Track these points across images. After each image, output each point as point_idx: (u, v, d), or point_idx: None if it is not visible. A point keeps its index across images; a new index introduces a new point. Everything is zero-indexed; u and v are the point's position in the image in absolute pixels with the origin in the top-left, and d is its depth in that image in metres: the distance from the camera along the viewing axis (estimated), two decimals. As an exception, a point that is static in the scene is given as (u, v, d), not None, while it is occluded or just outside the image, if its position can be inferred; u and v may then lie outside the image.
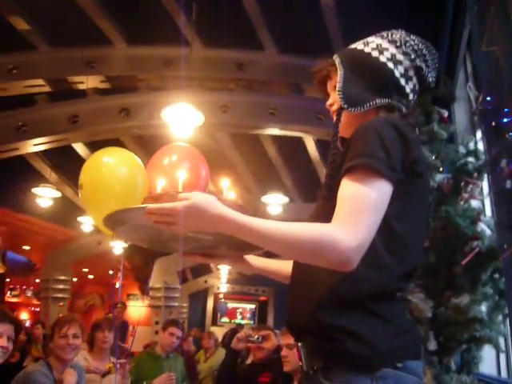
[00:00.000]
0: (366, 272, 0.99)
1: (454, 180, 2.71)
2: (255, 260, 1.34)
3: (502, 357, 2.85)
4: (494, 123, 2.29)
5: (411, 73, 1.20)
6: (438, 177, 2.73)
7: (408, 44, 1.21)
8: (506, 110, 1.94)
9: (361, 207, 0.96)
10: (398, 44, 1.21)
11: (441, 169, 2.77)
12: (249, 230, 0.98)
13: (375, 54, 1.20)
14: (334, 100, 1.23)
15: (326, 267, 0.97)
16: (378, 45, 1.22)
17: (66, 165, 7.20)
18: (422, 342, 1.17)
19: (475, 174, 2.67)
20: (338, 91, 1.17)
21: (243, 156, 7.13)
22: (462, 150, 2.82)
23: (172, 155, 2.74)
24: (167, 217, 1.00)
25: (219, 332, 11.35)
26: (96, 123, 5.81)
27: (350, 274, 0.96)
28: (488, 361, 2.83)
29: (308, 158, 6.81)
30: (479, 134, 3.35)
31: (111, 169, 2.50)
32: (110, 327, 3.08)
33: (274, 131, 5.97)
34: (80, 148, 6.66)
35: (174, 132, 3.69)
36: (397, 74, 1.18)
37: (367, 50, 1.22)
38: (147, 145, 6.48)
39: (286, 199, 6.72)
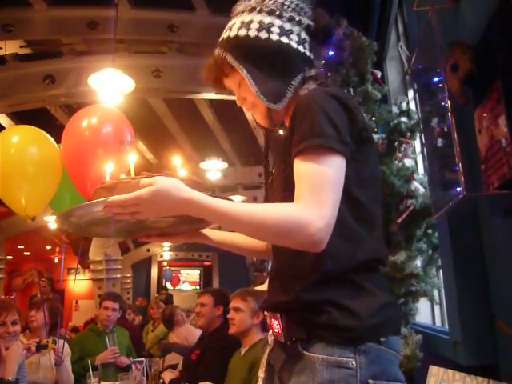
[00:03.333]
0: (343, 245, 0.99)
1: (388, 140, 2.76)
2: (212, 234, 1.30)
3: (437, 307, 3.02)
4: (425, 83, 2.33)
5: (303, 34, 1.12)
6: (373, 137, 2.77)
7: (286, 7, 1.12)
8: (436, 69, 1.97)
9: (321, 185, 0.95)
10: (277, 13, 1.11)
11: (375, 129, 2.81)
12: (217, 214, 0.95)
13: (263, 34, 1.09)
14: (245, 95, 1.15)
15: (295, 248, 0.96)
16: (259, 22, 1.10)
17: (-11, 138, 6.76)
18: (401, 317, 1.21)
19: (408, 134, 2.73)
20: (257, 94, 1.09)
21: (179, 121, 6.97)
22: (395, 110, 2.87)
23: (92, 118, 2.55)
24: (132, 207, 0.94)
25: (165, 300, 11.36)
26: (18, 92, 5.40)
27: (328, 251, 0.96)
28: (423, 311, 2.98)
29: (245, 121, 6.74)
30: (411, 94, 3.42)
31: (21, 149, 2.36)
32: (38, 306, 2.98)
33: (210, 95, 5.84)
34: (3, 119, 6.23)
35: (104, 99, 3.49)
36: (294, 45, 1.10)
37: (252, 33, 1.10)
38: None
39: (224, 164, 6.66)
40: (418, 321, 2.87)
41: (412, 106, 3.05)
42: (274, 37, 1.09)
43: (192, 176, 1.14)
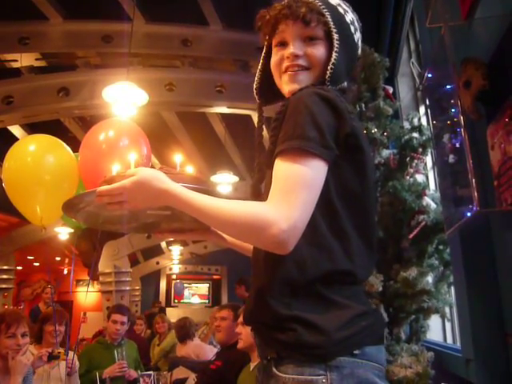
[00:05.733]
0: (310, 253, 0.97)
1: (399, 155, 2.76)
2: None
3: (448, 325, 2.98)
4: (437, 99, 2.34)
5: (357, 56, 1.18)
6: (385, 152, 2.77)
7: (359, 26, 1.15)
8: (448, 86, 1.97)
9: (294, 186, 0.93)
10: (356, 25, 1.14)
11: (387, 144, 2.82)
12: (190, 206, 0.97)
13: (352, 29, 1.12)
14: (310, 52, 1.10)
15: (262, 248, 0.97)
16: (352, 20, 1.12)
17: (3, 148, 6.81)
18: (383, 325, 1.14)
19: (420, 150, 2.73)
20: (333, 65, 1.07)
21: (191, 135, 7.00)
22: (406, 125, 2.88)
23: (108, 131, 2.59)
24: (118, 196, 0.99)
25: (174, 313, 11.30)
26: (32, 104, 5.46)
27: (294, 256, 0.94)
28: (435, 328, 2.95)
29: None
30: (422, 110, 3.42)
31: (37, 157, 2.37)
32: (61, 320, 2.97)
33: (222, 109, 5.87)
34: (17, 130, 6.30)
35: (117, 112, 3.54)
36: (359, 53, 1.17)
37: (348, 19, 1.11)
38: (90, 126, 6.21)
39: (235, 178, 6.67)
40: (430, 338, 2.84)
41: (424, 121, 3.05)
42: (356, 37, 1.14)
43: (193, 172, 1.20)
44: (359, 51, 1.17)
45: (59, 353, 2.67)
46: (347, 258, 1.00)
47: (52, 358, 2.63)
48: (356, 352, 0.95)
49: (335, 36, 1.08)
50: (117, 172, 1.07)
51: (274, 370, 0.98)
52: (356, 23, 1.14)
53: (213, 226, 1.06)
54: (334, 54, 1.07)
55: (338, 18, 1.10)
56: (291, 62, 1.11)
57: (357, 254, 1.02)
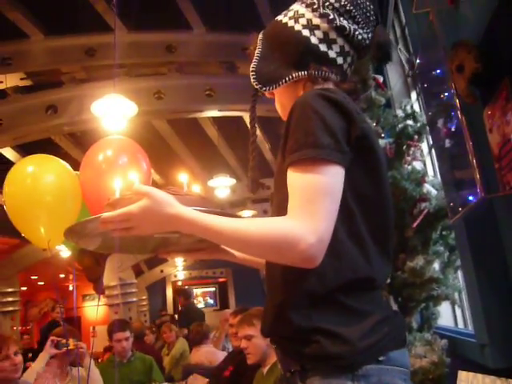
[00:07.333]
0: (331, 262, 0.93)
1: (395, 144, 2.73)
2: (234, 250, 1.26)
3: (457, 309, 2.96)
4: (429, 85, 2.31)
5: (333, 35, 1.08)
6: (380, 142, 2.75)
7: (327, 3, 1.09)
8: (440, 71, 1.95)
9: (314, 196, 0.89)
10: (315, 6, 1.10)
11: (382, 134, 2.79)
12: (205, 230, 0.92)
13: (291, 23, 1.12)
14: None
15: (289, 264, 0.91)
16: (294, 12, 1.13)
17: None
18: (405, 327, 1.11)
19: (415, 137, 2.70)
20: (251, 71, 1.11)
21: (184, 141, 6.97)
22: (400, 113, 2.85)
23: (107, 150, 2.57)
24: (124, 223, 0.93)
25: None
26: (21, 125, 5.40)
27: (316, 268, 0.90)
28: (444, 314, 2.93)
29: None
30: (414, 96, 3.40)
31: (37, 179, 2.34)
32: (73, 336, 2.94)
33: (213, 113, 5.85)
34: (9, 153, 6.25)
35: (108, 125, 3.50)
36: (314, 40, 1.08)
37: (284, 20, 1.13)
38: (81, 141, 6.18)
39: (232, 181, 6.63)
40: (440, 324, 2.82)
41: (416, 107, 3.02)
42: (297, 27, 1.11)
43: (199, 192, 1.16)
44: (313, 35, 1.09)
45: (67, 342, 2.65)
46: (367, 264, 0.97)
47: (62, 345, 2.61)
48: (381, 359, 0.92)
49: (258, 44, 1.16)
50: (121, 194, 1.01)
51: (300, 383, 0.96)
52: (298, 13, 1.12)
53: (233, 249, 1.01)
54: (252, 64, 1.13)
55: (270, 28, 1.18)
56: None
57: (374, 258, 0.99)
